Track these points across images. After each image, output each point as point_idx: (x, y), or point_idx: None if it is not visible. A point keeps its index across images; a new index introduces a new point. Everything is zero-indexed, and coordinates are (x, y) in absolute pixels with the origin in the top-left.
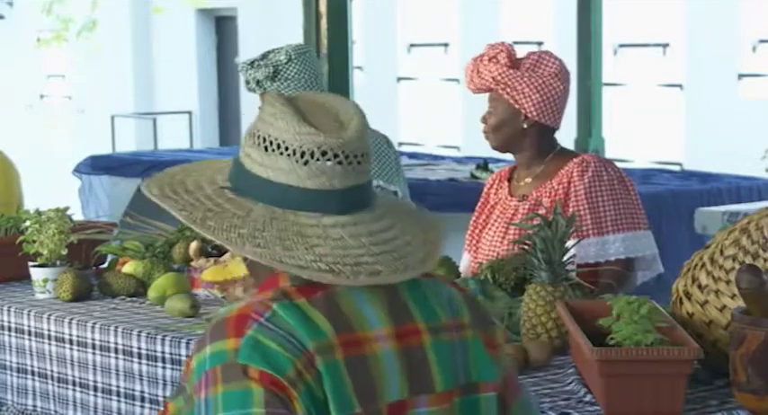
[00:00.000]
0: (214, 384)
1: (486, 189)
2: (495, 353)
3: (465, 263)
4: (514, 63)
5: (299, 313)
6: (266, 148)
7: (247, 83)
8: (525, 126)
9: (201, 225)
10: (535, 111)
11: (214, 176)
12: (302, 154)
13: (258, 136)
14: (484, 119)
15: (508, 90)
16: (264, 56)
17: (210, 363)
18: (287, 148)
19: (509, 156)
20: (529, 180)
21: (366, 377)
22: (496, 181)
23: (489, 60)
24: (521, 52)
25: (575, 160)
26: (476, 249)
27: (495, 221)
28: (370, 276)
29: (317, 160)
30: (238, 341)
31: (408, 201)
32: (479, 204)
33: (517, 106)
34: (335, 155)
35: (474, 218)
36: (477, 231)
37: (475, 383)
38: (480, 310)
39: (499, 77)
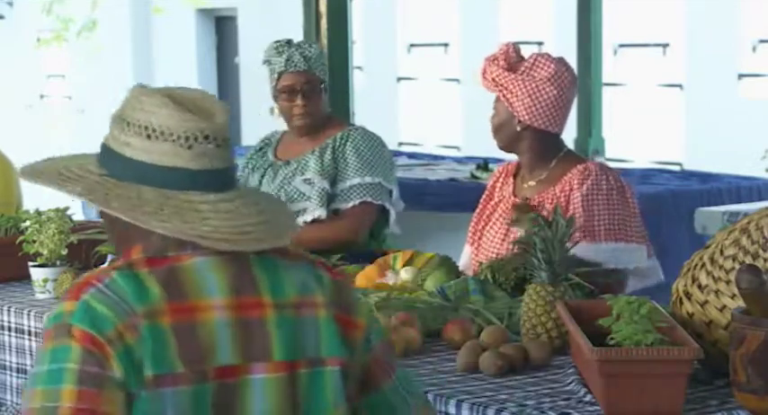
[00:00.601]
0: (47, 340)
1: (491, 183)
2: (351, 333)
3: (465, 257)
4: (512, 65)
5: (135, 281)
6: (149, 136)
7: (288, 60)
8: (519, 129)
9: (107, 204)
10: (526, 115)
11: (85, 166)
12: (186, 139)
13: (139, 126)
14: (492, 119)
15: (504, 92)
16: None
17: (51, 322)
18: (171, 134)
19: (510, 156)
20: (533, 183)
21: (193, 342)
22: (502, 175)
23: (492, 61)
24: (527, 53)
25: (578, 167)
26: (478, 244)
27: (497, 220)
28: (258, 242)
29: (201, 143)
30: (74, 304)
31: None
32: (484, 197)
33: (510, 109)
34: (215, 138)
35: (478, 211)
36: (480, 225)
37: (321, 357)
38: (345, 294)
39: (497, 79)
